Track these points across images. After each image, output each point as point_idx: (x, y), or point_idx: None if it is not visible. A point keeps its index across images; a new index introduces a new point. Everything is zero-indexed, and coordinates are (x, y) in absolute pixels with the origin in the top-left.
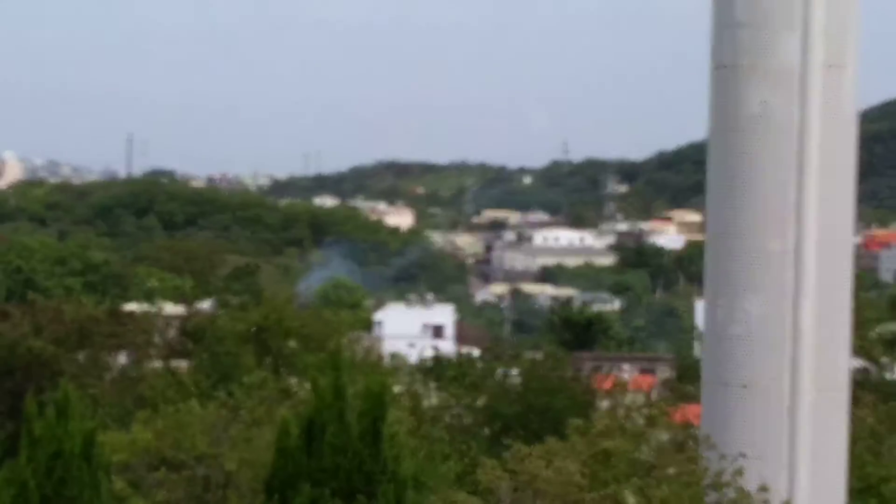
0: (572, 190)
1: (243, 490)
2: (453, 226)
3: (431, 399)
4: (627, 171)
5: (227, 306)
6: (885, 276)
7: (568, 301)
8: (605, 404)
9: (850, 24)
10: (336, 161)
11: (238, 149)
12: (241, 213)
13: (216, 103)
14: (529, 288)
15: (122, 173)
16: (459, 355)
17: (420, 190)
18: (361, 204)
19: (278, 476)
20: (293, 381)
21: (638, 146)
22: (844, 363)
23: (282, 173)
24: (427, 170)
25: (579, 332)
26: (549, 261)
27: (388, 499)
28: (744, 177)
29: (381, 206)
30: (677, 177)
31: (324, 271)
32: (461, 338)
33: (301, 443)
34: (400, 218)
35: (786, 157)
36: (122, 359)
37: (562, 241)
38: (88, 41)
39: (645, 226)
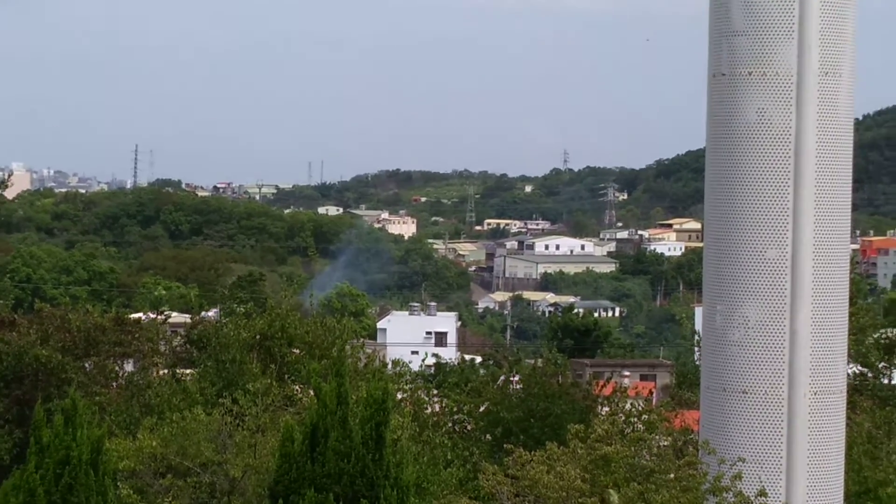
0: (572, 198)
1: (248, 496)
2: (455, 234)
3: (434, 405)
4: (627, 179)
5: (232, 314)
6: (883, 283)
7: (569, 308)
8: (605, 410)
9: (846, 32)
10: (339, 170)
11: (243, 159)
12: (245, 222)
13: (221, 114)
14: (530, 295)
15: (128, 183)
16: (461, 362)
17: (422, 199)
18: (365, 213)
19: (282, 482)
20: (297, 388)
21: (637, 155)
22: (842, 368)
23: (286, 183)
24: (429, 179)
25: (580, 338)
26: (550, 268)
27: None
28: (741, 184)
29: (384, 214)
30: (676, 185)
31: (327, 279)
32: (463, 344)
33: (305, 449)
34: (403, 226)
35: (782, 165)
36: (128, 367)
37: (562, 248)
38: (94, 52)
39: (644, 233)
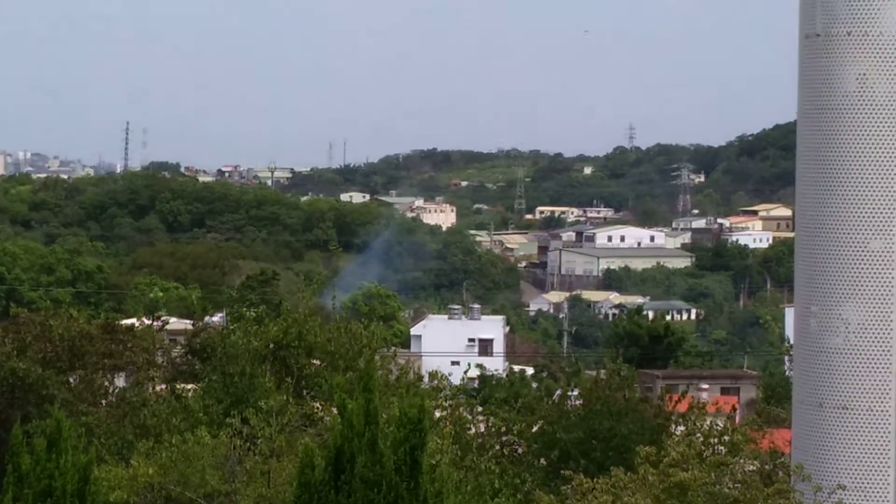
0: (640, 181)
1: None
2: (502, 224)
3: (478, 425)
4: (704, 158)
5: (241, 320)
6: None
7: (636, 310)
8: (679, 429)
9: None
10: (365, 151)
11: (253, 138)
12: (255, 211)
13: (226, 86)
14: (591, 295)
15: (118, 167)
16: (510, 374)
17: (463, 183)
18: (395, 199)
19: None
20: (318, 405)
21: (716, 130)
22: None
23: (303, 166)
24: (471, 159)
25: (649, 345)
26: (614, 263)
27: None
28: (839, 164)
29: (419, 201)
30: (762, 164)
31: (353, 278)
32: (512, 354)
33: (328, 477)
34: (440, 215)
35: (888, 141)
36: (119, 381)
37: (628, 240)
38: (79, 23)
39: (725, 222)
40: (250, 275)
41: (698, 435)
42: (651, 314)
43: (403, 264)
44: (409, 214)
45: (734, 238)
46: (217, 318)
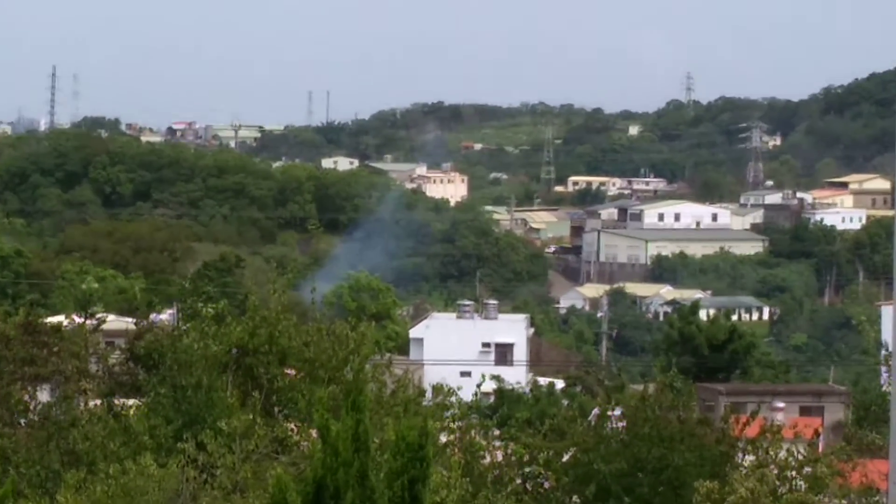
0: (699, 144)
1: None
2: (526, 198)
3: (494, 452)
4: (780, 115)
5: (197, 318)
6: None
7: (693, 308)
8: (748, 460)
9: None
10: (353, 105)
11: (212, 88)
12: (215, 181)
13: (179, 22)
14: (637, 289)
15: (42, 124)
16: (535, 388)
17: (477, 146)
18: (391, 166)
19: None
20: (292, 426)
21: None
22: None
23: (275, 123)
24: (487, 115)
25: (710, 353)
26: (666, 248)
27: None
28: None
29: (420, 169)
30: (853, 124)
31: (337, 266)
32: (537, 362)
33: None
34: (448, 186)
35: None
36: (43, 395)
37: (684, 219)
38: None
39: (807, 196)
40: (208, 261)
41: (772, 467)
42: (712, 313)
43: (401, 249)
44: (409, 185)
45: (818, 217)
46: (166, 315)
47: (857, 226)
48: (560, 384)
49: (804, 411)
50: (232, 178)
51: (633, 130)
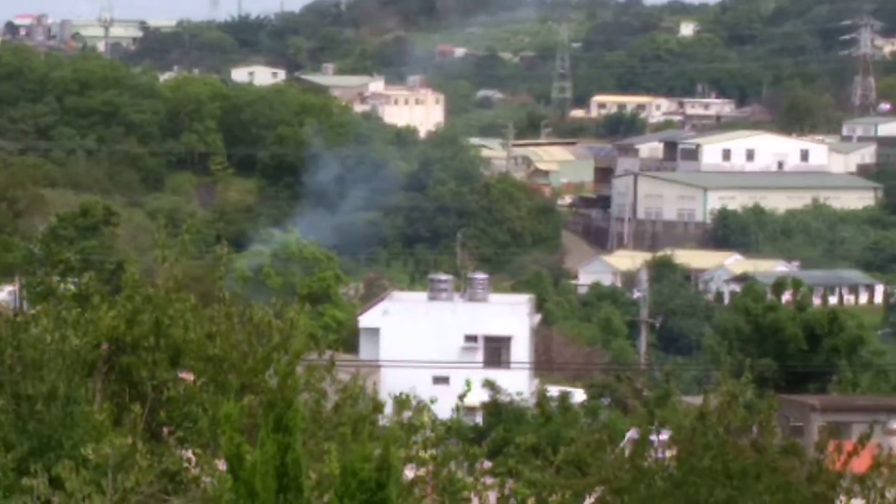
0: (781, 50)
1: None
2: (530, 126)
3: (485, 493)
4: None
5: (50, 297)
6: None
7: (776, 286)
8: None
9: None
10: None
11: None
12: (76, 99)
13: None
14: (691, 258)
15: None
16: (543, 400)
17: (458, 50)
18: (333, 81)
19: None
20: (190, 454)
21: None
22: None
23: (164, 18)
24: (473, 8)
25: (800, 350)
26: (734, 200)
27: None
28: None
29: (377, 84)
30: None
31: (256, 224)
32: (547, 363)
33: None
34: (416, 110)
35: None
36: None
37: (760, 157)
38: None
39: None
40: (65, 215)
41: None
42: (801, 294)
43: (348, 200)
44: (360, 107)
45: None
46: (3, 294)
47: None
48: (580, 395)
49: None
50: (100, 95)
51: (687, 30)
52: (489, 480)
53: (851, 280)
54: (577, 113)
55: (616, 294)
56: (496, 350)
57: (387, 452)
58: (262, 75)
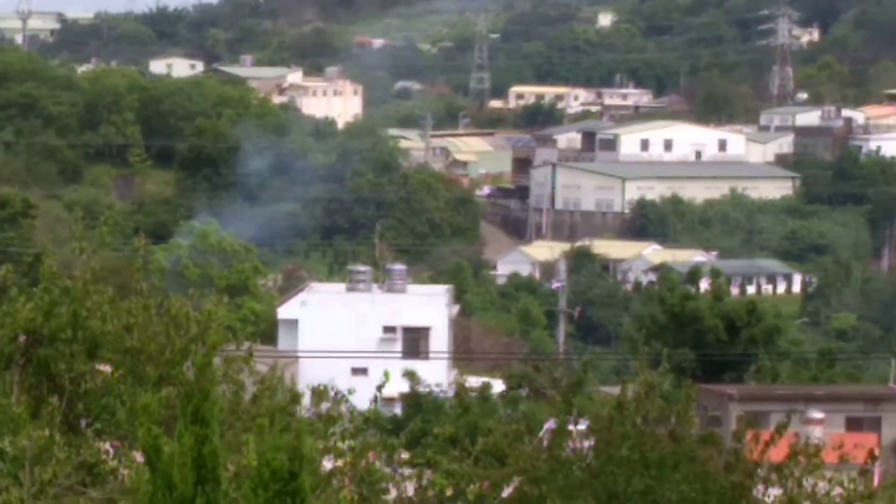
0: (700, 41)
1: None
2: (448, 117)
3: (403, 484)
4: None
5: None
6: None
7: (692, 275)
8: (773, 494)
9: None
10: None
11: None
12: None
13: None
14: (610, 248)
15: None
16: (462, 391)
17: (376, 41)
18: (252, 72)
19: None
20: (107, 447)
21: None
22: None
23: (82, 10)
24: None
25: (718, 341)
26: (652, 190)
27: None
28: None
29: (295, 75)
30: None
31: (173, 216)
32: (466, 354)
33: None
34: (335, 101)
35: None
36: None
37: (679, 147)
38: None
39: (856, 115)
40: None
41: (807, 502)
42: (718, 283)
43: (266, 191)
44: (278, 99)
45: (872, 145)
46: None
47: None
48: (498, 386)
49: (853, 424)
50: (18, 88)
51: (605, 20)
52: (408, 471)
53: (769, 270)
54: (496, 104)
55: (534, 284)
56: (415, 341)
57: (299, 442)
58: (181, 67)
